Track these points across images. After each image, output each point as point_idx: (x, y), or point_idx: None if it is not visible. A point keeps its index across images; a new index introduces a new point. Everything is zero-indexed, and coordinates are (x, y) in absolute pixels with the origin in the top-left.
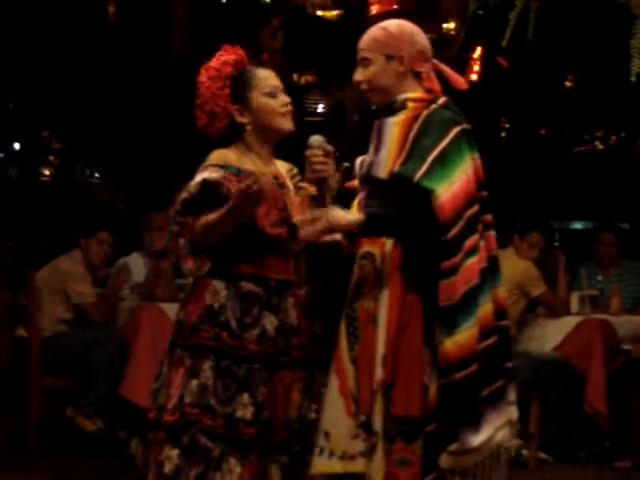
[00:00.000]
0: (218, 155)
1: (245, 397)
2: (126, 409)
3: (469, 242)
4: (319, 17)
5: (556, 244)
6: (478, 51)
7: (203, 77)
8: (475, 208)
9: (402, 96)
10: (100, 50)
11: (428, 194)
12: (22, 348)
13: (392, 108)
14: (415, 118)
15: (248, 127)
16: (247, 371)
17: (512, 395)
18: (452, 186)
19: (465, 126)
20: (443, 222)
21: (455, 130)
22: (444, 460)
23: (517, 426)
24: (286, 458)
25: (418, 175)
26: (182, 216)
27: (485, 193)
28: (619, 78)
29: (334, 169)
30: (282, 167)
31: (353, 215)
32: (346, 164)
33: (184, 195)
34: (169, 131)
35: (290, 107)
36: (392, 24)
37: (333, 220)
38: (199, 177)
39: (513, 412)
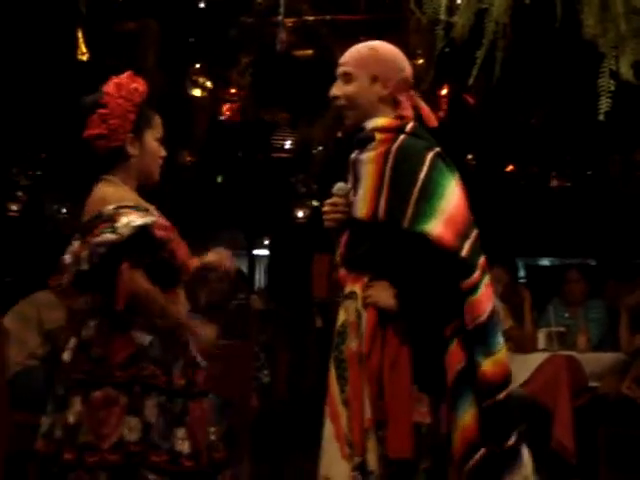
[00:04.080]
0: (122, 195)
1: (182, 432)
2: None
3: (482, 260)
4: (288, 55)
5: (522, 281)
6: (445, 89)
7: (114, 91)
8: (476, 230)
9: (369, 125)
10: (68, 89)
11: (423, 237)
12: None
13: (359, 139)
14: (386, 153)
15: (133, 160)
16: (180, 406)
17: None
18: (443, 214)
19: (437, 150)
20: (448, 248)
21: (429, 157)
22: None
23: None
24: None
25: (406, 222)
26: (109, 258)
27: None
28: (586, 116)
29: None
30: None
31: (392, 301)
32: (315, 202)
33: (111, 237)
34: None
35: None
36: (382, 46)
37: (376, 300)
38: (134, 220)
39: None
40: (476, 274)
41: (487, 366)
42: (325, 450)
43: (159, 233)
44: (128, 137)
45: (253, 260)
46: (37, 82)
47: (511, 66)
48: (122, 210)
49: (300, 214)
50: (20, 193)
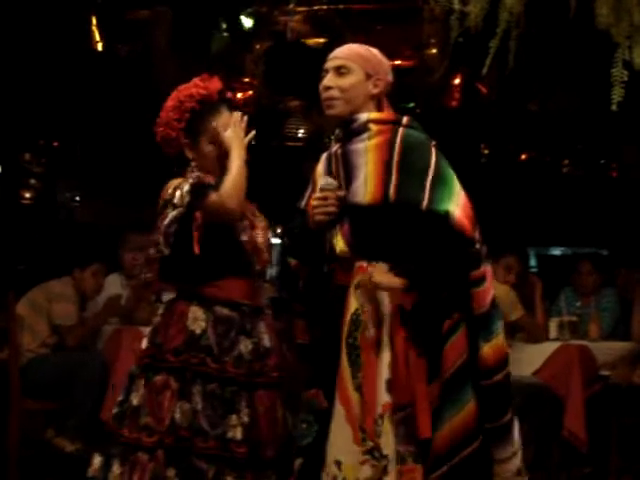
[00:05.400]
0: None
1: (233, 418)
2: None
3: (484, 249)
4: (300, 43)
5: (533, 270)
6: (458, 78)
7: (169, 101)
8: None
9: (363, 117)
10: (82, 76)
11: (443, 217)
12: (2, 370)
13: (351, 129)
14: (390, 142)
15: (194, 163)
16: (232, 393)
17: None
18: (459, 200)
19: (434, 142)
20: (468, 235)
21: (433, 147)
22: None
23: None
24: (274, 475)
25: (425, 202)
26: (181, 232)
27: None
28: (599, 106)
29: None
30: None
31: (395, 280)
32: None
33: (174, 213)
34: (149, 157)
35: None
36: (373, 48)
37: (378, 282)
38: (184, 187)
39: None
40: (483, 267)
41: (488, 350)
42: (336, 434)
43: (208, 179)
44: (185, 143)
45: None
46: (50, 70)
47: (525, 55)
48: (177, 188)
49: None
50: (33, 181)
